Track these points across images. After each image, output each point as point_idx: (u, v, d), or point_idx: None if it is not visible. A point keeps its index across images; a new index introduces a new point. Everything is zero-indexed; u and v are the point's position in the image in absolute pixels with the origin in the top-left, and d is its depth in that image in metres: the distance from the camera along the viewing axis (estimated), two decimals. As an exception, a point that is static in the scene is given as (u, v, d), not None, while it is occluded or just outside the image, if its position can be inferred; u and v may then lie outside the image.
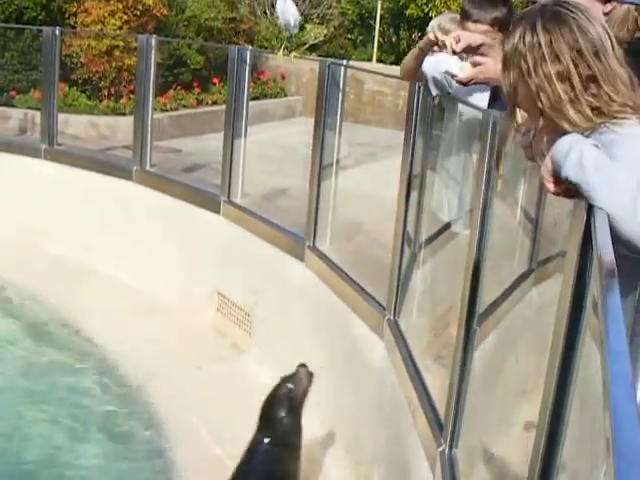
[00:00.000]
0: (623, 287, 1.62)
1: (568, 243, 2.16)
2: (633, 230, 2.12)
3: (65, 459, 5.79)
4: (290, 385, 5.20)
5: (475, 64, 4.05)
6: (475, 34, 4.23)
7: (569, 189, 2.31)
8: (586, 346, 1.99)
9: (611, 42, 2.56)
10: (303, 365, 5.28)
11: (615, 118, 2.44)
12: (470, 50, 4.00)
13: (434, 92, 4.65)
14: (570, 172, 2.24)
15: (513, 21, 2.73)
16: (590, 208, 2.13)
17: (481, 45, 4.03)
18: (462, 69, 4.09)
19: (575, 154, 2.25)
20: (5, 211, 9.09)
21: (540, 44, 2.53)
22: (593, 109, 2.47)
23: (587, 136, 2.40)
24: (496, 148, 3.54)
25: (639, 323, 2.14)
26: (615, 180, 2.17)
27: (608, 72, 2.50)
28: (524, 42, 2.56)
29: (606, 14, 3.15)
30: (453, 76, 4.11)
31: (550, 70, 2.51)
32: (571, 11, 2.56)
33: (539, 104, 2.53)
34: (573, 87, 2.49)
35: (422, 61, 4.56)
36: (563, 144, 2.33)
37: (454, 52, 4.03)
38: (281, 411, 5.15)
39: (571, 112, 2.48)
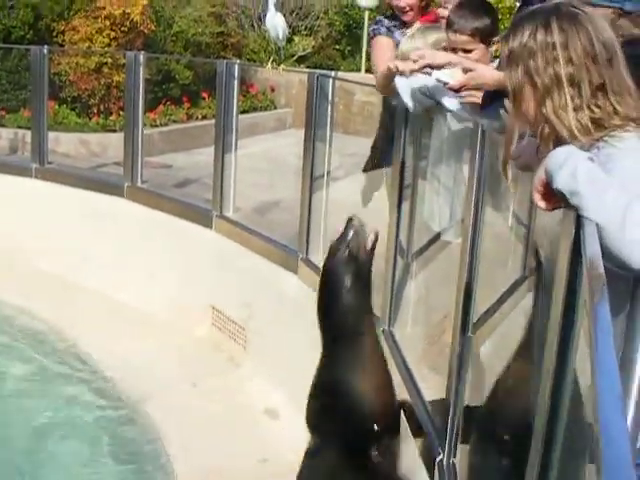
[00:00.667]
0: (612, 307, 1.61)
1: (558, 252, 2.16)
2: (620, 246, 2.09)
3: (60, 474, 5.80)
4: (346, 245, 4.13)
5: (466, 70, 4.04)
6: (440, 53, 4.22)
7: (558, 203, 2.28)
8: (580, 352, 1.99)
9: (621, 49, 2.51)
10: (351, 219, 4.26)
11: (615, 131, 2.40)
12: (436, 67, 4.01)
13: (411, 106, 4.59)
14: (562, 184, 2.20)
15: (519, 17, 2.63)
16: (579, 217, 2.12)
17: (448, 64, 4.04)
18: (453, 76, 4.07)
19: (569, 166, 2.20)
20: (-3, 231, 9.08)
21: (554, 44, 2.46)
22: (594, 121, 2.42)
23: (585, 150, 2.36)
24: (503, 151, 3.49)
25: (628, 345, 2.13)
26: (607, 195, 2.13)
27: (618, 81, 2.46)
28: (535, 40, 2.48)
29: None
30: (445, 84, 4.09)
31: (562, 72, 2.45)
32: (586, 13, 2.50)
33: (543, 108, 2.48)
34: (581, 94, 2.44)
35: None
36: (558, 155, 2.28)
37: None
38: (343, 283, 4.07)
39: (573, 121, 2.43)
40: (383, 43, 5.71)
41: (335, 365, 4.16)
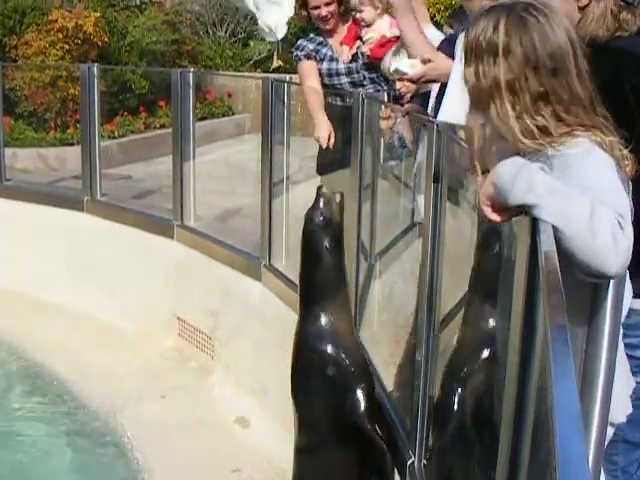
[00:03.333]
0: (574, 313, 1.58)
1: (516, 254, 2.12)
2: (593, 254, 2.05)
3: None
4: (320, 212, 4.31)
5: (425, 61, 4.01)
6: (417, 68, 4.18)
7: (511, 213, 2.21)
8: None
9: (574, 54, 2.41)
10: (320, 187, 4.51)
11: (563, 137, 2.34)
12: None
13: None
14: (519, 198, 2.12)
15: (484, 10, 2.54)
16: (535, 220, 2.08)
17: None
18: (412, 66, 4.04)
19: (523, 180, 2.13)
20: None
21: (497, 45, 2.39)
22: (538, 128, 2.35)
23: (533, 159, 2.30)
24: (466, 149, 3.43)
25: (590, 348, 2.11)
26: (571, 205, 2.08)
27: (564, 90, 2.38)
28: (485, 38, 2.42)
29: (581, 9, 2.99)
30: (403, 74, 4.06)
31: (501, 77, 2.38)
32: (538, 18, 2.39)
33: (491, 111, 2.42)
34: (520, 102, 2.37)
35: None
36: (506, 170, 2.20)
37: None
38: (323, 245, 4.27)
39: (515, 127, 2.36)
40: (304, 68, 5.94)
41: (318, 321, 4.30)
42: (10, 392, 7.12)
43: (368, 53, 5.65)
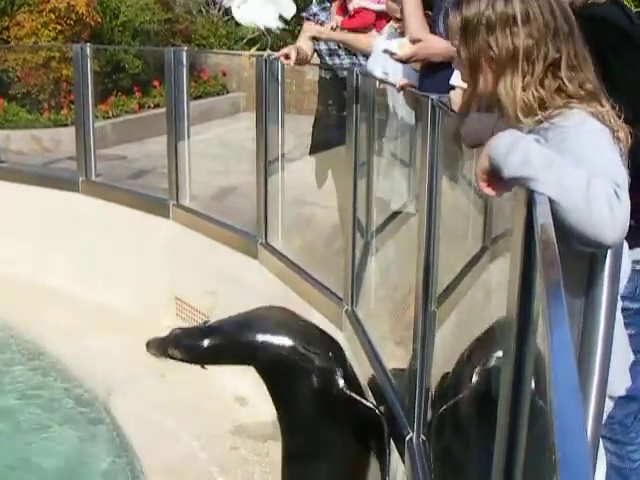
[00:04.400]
0: (570, 290, 1.56)
1: (513, 226, 2.11)
2: (589, 225, 2.03)
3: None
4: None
5: (414, 41, 3.98)
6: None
7: (506, 188, 2.20)
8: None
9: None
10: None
11: (558, 109, 2.32)
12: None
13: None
14: (514, 171, 2.10)
15: None
16: (531, 192, 2.06)
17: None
18: (401, 47, 4.02)
19: (519, 152, 2.11)
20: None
21: (515, 17, 2.34)
22: (540, 100, 2.33)
23: (528, 132, 2.28)
24: (456, 127, 3.40)
25: (587, 321, 2.11)
26: (565, 176, 2.06)
27: (576, 54, 2.36)
28: (495, 10, 2.36)
29: None
30: (392, 54, 4.04)
31: (520, 47, 2.34)
32: None
33: (500, 85, 2.38)
34: (533, 71, 2.33)
35: None
36: (502, 142, 2.17)
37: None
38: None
39: (519, 101, 2.34)
40: (303, 28, 6.07)
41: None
42: (9, 373, 7.12)
43: (339, 23, 5.71)
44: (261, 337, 4.38)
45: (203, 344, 4.47)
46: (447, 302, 4.09)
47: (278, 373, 4.34)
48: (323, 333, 4.53)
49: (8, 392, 6.81)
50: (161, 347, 4.62)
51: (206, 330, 4.58)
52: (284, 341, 4.30)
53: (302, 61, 5.69)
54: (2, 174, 9.26)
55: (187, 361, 4.67)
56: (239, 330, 4.51)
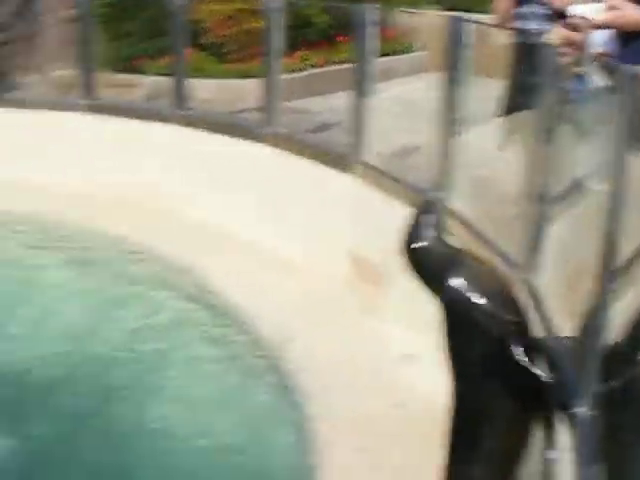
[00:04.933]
0: None
1: None
2: None
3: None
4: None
5: (612, 8, 3.91)
6: None
7: None
8: None
9: None
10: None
11: None
12: None
13: None
14: None
15: None
16: None
17: None
18: (597, 12, 3.96)
19: None
20: (134, 176, 9.34)
21: None
22: None
23: None
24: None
25: None
26: None
27: None
28: None
29: None
30: (587, 20, 3.98)
31: None
32: None
33: None
34: None
35: None
36: None
37: None
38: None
39: None
40: None
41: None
42: (186, 318, 7.40)
43: None
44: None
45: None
46: (627, 276, 4.03)
47: (460, 324, 4.34)
48: (515, 300, 4.48)
49: (183, 334, 7.09)
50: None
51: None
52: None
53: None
54: (190, 121, 9.54)
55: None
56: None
